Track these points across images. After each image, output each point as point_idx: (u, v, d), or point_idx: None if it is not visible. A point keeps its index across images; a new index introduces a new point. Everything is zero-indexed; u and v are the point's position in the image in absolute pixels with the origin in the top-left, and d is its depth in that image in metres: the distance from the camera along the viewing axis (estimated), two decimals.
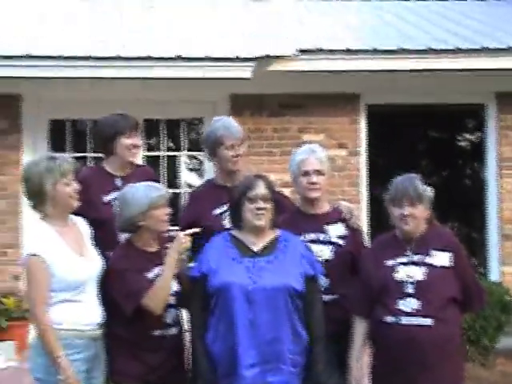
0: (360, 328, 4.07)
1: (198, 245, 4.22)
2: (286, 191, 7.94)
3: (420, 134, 12.13)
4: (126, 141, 4.56)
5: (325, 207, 4.41)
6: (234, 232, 4.04)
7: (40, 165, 4.00)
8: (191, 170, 11.12)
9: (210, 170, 8.03)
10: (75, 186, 4.04)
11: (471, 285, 4.00)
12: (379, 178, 10.67)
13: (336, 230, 4.31)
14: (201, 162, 9.42)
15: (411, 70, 7.92)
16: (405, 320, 3.84)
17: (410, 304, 3.85)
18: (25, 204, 7.88)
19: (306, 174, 4.30)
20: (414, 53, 7.97)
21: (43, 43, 7.83)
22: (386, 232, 4.22)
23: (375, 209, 9.13)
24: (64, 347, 3.81)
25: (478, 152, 9.62)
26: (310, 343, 3.87)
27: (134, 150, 4.62)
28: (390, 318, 3.88)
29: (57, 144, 8.33)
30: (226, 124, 4.63)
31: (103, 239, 4.22)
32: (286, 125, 8.45)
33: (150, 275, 3.96)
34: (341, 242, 4.29)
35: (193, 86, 7.88)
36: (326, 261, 4.21)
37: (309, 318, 3.89)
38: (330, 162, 4.49)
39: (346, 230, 4.33)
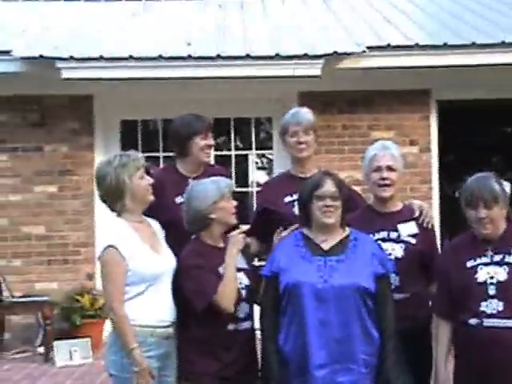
0: (445, 330, 3.95)
1: (269, 233, 4.23)
2: (357, 189, 8.11)
3: (493, 130, 11.87)
4: (200, 142, 4.56)
5: (397, 205, 4.33)
6: (305, 231, 4.01)
7: (113, 162, 4.01)
8: (261, 168, 11.13)
9: (279, 168, 8.09)
10: (149, 179, 4.06)
11: None
12: (451, 175, 10.57)
13: (408, 229, 4.23)
14: (270, 161, 9.42)
15: (482, 65, 7.78)
16: (488, 322, 3.71)
17: (492, 305, 3.72)
18: (98, 203, 8.07)
19: (378, 169, 4.21)
20: (484, 47, 7.81)
21: (114, 45, 7.93)
22: (458, 229, 4.12)
23: (447, 206, 9.03)
24: (139, 345, 3.82)
25: None
26: (381, 341, 3.81)
27: (208, 150, 4.61)
28: (473, 321, 3.75)
29: (128, 144, 8.44)
30: (294, 111, 4.64)
31: (176, 240, 4.19)
32: (356, 122, 8.41)
33: (222, 270, 3.96)
34: (412, 240, 4.20)
35: (262, 85, 7.88)
36: (397, 259, 4.14)
37: (380, 316, 3.83)
38: (403, 159, 4.40)
39: (417, 228, 4.25)
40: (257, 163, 10.72)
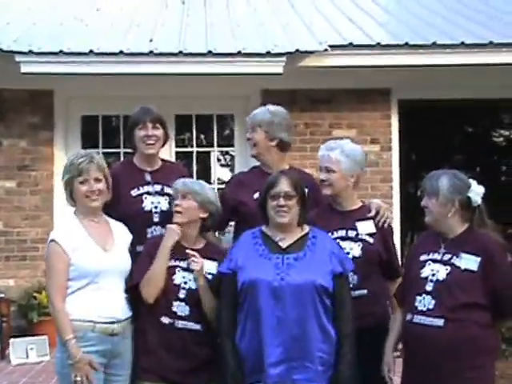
0: (397, 317, 4.08)
1: (240, 230, 4.25)
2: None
3: (453, 130, 12.01)
4: (138, 133, 4.55)
5: (355, 204, 4.37)
6: (264, 228, 4.02)
7: (70, 159, 4.12)
8: (223, 166, 11.12)
9: (240, 165, 8.08)
10: (95, 185, 4.05)
11: (504, 293, 3.81)
12: (413, 173, 10.66)
13: (366, 227, 4.28)
14: (232, 158, 9.40)
15: (443, 65, 7.84)
16: (417, 318, 3.82)
17: (425, 302, 3.81)
18: (57, 200, 8.07)
19: (320, 170, 4.34)
20: (446, 47, 7.86)
21: (74, 39, 7.84)
22: (419, 227, 4.23)
23: (408, 204, 9.09)
24: (78, 340, 3.82)
25: None
26: (337, 341, 3.82)
27: (149, 141, 4.54)
28: (408, 315, 3.88)
29: (89, 140, 8.39)
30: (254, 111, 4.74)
31: (133, 233, 4.25)
32: (318, 120, 8.43)
33: (171, 263, 4.04)
34: (370, 239, 4.26)
35: (224, 82, 7.86)
36: (355, 258, 4.17)
37: (337, 316, 3.84)
38: (352, 159, 4.39)
39: (375, 227, 4.30)
40: (219, 160, 10.72)
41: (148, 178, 4.57)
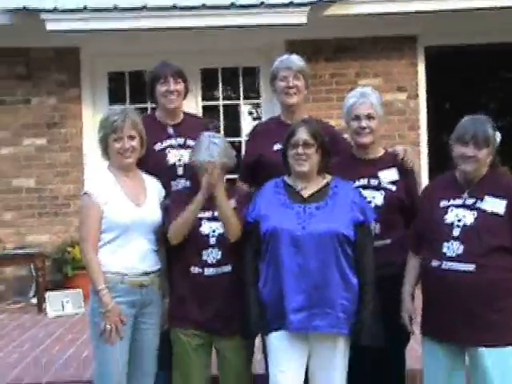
0: (413, 263, 4.05)
1: (262, 180, 4.26)
2: (345, 136, 8.14)
3: (483, 76, 11.85)
4: (160, 87, 4.58)
5: (378, 152, 4.35)
6: (286, 178, 4.05)
7: (107, 115, 4.19)
8: (253, 118, 11.11)
9: (267, 117, 8.09)
10: (129, 143, 4.11)
11: None
12: (438, 121, 10.57)
13: (388, 176, 4.26)
14: (259, 109, 9.39)
15: (470, 9, 7.72)
16: (446, 265, 3.77)
17: (453, 248, 3.77)
18: (87, 156, 8.17)
19: (357, 118, 4.24)
20: None
21: None
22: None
23: (437, 152, 9.05)
24: (109, 289, 3.94)
25: None
26: (360, 290, 3.86)
27: (170, 95, 4.57)
28: (434, 262, 3.82)
29: (116, 96, 8.44)
30: (283, 57, 4.69)
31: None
32: (343, 70, 8.39)
33: (204, 215, 4.09)
34: (392, 187, 4.24)
35: (248, 34, 7.84)
36: (377, 206, 4.17)
37: (359, 265, 3.88)
38: (384, 105, 4.38)
39: (398, 175, 4.27)
40: (251, 113, 10.71)
41: (170, 131, 4.62)
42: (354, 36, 8.24)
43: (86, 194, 4.05)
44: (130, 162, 4.15)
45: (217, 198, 4.02)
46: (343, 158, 4.38)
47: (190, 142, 4.49)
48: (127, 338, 4.00)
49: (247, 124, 9.32)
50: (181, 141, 4.59)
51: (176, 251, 4.09)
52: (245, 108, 9.56)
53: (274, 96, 4.91)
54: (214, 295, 4.04)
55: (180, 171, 4.54)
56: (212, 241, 4.06)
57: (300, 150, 3.91)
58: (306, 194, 3.96)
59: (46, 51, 8.23)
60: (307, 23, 7.55)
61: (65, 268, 7.85)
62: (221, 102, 8.72)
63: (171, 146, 4.58)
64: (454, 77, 10.46)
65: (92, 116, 8.28)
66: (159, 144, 4.55)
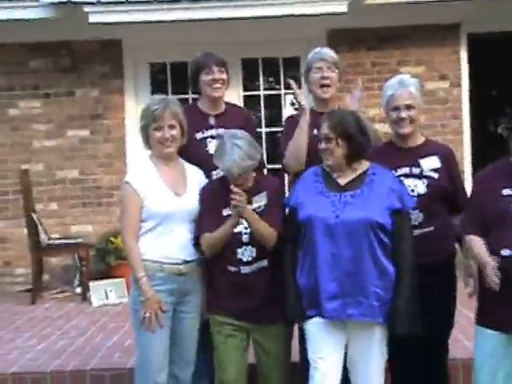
0: (478, 239, 3.80)
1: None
2: (386, 126, 8.09)
3: None
4: (205, 77, 4.61)
5: (419, 140, 4.33)
6: (324, 165, 4.05)
7: (148, 105, 4.23)
8: (292, 108, 11.09)
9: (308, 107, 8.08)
10: (169, 132, 4.15)
11: None
12: (483, 109, 10.45)
13: (430, 163, 4.23)
14: None
15: None
16: None
17: None
18: (129, 147, 8.26)
19: (396, 108, 4.22)
20: None
21: None
22: (492, 162, 4.04)
23: (480, 141, 8.97)
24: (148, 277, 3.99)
25: None
26: (396, 277, 3.84)
27: (215, 84, 4.61)
28: (504, 251, 3.68)
29: (158, 87, 8.51)
30: (316, 50, 4.71)
31: None
32: (385, 59, 8.35)
33: (226, 212, 4.06)
34: (435, 175, 4.21)
35: (289, 24, 7.84)
36: (420, 195, 4.15)
37: (396, 252, 3.86)
38: (423, 92, 4.37)
39: (440, 162, 4.25)
40: (293, 104, 10.69)
41: (212, 121, 4.65)
42: (395, 25, 8.18)
43: (126, 183, 4.10)
44: (170, 151, 4.18)
45: (247, 219, 4.02)
46: (382, 146, 4.39)
47: None
48: (167, 326, 4.05)
49: (289, 114, 9.31)
50: (222, 131, 4.58)
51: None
52: (287, 98, 9.53)
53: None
54: (251, 291, 4.07)
55: None
56: (245, 238, 4.07)
57: (323, 144, 3.96)
58: (342, 182, 3.96)
59: (89, 44, 8.33)
60: (348, 12, 7.52)
61: (108, 258, 7.95)
62: (262, 92, 8.73)
63: (212, 137, 4.61)
64: (499, 64, 10.29)
65: (134, 107, 8.35)
66: (200, 133, 4.59)
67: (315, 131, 4.40)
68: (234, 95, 8.31)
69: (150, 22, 7.70)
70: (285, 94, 8.83)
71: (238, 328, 4.13)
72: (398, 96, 4.22)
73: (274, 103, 9.14)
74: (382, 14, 7.96)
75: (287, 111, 9.12)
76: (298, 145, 4.44)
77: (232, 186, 3.96)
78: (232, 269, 4.08)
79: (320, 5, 7.55)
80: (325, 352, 3.88)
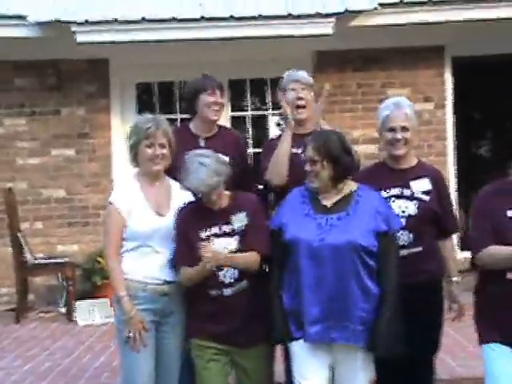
0: (499, 246, 3.68)
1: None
2: (371, 147, 8.18)
3: (508, 86, 11.79)
4: (206, 98, 4.62)
5: (411, 162, 4.34)
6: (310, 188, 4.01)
7: (137, 122, 4.22)
8: (279, 128, 11.14)
9: None
10: (160, 150, 4.14)
11: None
12: (467, 131, 10.55)
13: (420, 186, 4.25)
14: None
15: (494, 19, 7.73)
16: None
17: None
18: (115, 166, 8.26)
19: (392, 130, 4.23)
20: (498, 1, 7.75)
21: (126, 7, 7.92)
22: (475, 185, 4.07)
23: (465, 162, 9.05)
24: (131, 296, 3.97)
25: None
26: (380, 298, 3.81)
27: (215, 107, 4.65)
28: (511, 275, 3.65)
29: (145, 107, 8.52)
30: (290, 72, 4.71)
31: None
32: (370, 80, 8.42)
33: (204, 234, 4.00)
34: (425, 197, 4.23)
35: (276, 45, 7.89)
36: (411, 216, 4.17)
37: (381, 274, 3.83)
38: (417, 116, 4.41)
39: (430, 185, 4.27)
40: (279, 124, 10.74)
41: (202, 143, 4.65)
42: (381, 46, 8.27)
43: (110, 203, 4.11)
44: (158, 168, 4.18)
45: (227, 265, 3.98)
46: (375, 166, 4.42)
47: (221, 156, 4.50)
48: (152, 347, 4.03)
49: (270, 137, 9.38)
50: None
51: None
52: (273, 119, 9.60)
53: None
54: (233, 313, 3.99)
55: None
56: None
57: (308, 167, 3.92)
58: (328, 203, 3.93)
59: (76, 63, 8.36)
60: (334, 34, 7.60)
61: (94, 277, 7.93)
62: (249, 113, 8.77)
63: None
64: (483, 87, 10.41)
65: (121, 126, 8.39)
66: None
67: (293, 149, 4.47)
68: (222, 116, 8.35)
69: (138, 41, 7.73)
70: (273, 114, 8.88)
71: (220, 352, 4.06)
72: (394, 117, 4.23)
73: (260, 124, 9.21)
74: (367, 36, 8.03)
75: (272, 132, 9.20)
76: (280, 157, 4.45)
77: (199, 243, 3.91)
78: (214, 292, 3.99)
79: (306, 26, 7.61)
80: (309, 372, 3.86)
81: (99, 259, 7.92)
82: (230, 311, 3.99)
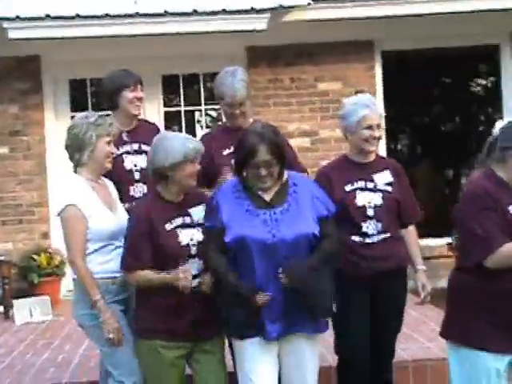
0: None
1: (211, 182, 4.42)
2: (305, 140, 8.34)
3: (435, 80, 12.15)
4: (129, 94, 4.69)
5: (372, 156, 4.50)
6: (243, 179, 3.94)
7: (90, 118, 4.16)
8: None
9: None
10: (114, 149, 4.21)
11: None
12: (396, 124, 10.83)
13: (383, 178, 4.44)
14: (219, 116, 9.49)
15: (423, 15, 7.99)
16: None
17: None
18: (50, 164, 8.19)
19: (369, 128, 4.36)
20: None
21: (59, 2, 7.85)
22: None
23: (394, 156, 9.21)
24: (102, 293, 4.01)
25: (492, 97, 9.68)
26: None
27: (138, 102, 4.74)
28: None
29: (78, 103, 8.49)
30: (227, 81, 4.57)
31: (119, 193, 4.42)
32: (303, 75, 8.56)
33: (170, 226, 3.95)
34: (389, 188, 4.42)
35: (209, 40, 7.95)
36: (376, 206, 4.35)
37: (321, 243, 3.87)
38: None
39: (392, 176, 4.46)
40: (199, 121, 10.79)
41: (125, 137, 4.72)
42: (312, 41, 8.41)
43: (71, 205, 4.04)
44: (110, 166, 4.23)
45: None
46: (337, 161, 4.57)
47: (145, 147, 4.60)
48: (129, 333, 4.07)
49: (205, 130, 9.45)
50: (135, 146, 4.74)
51: (151, 268, 3.95)
52: (203, 114, 9.68)
53: None
54: (195, 306, 3.94)
55: (137, 176, 4.69)
56: (194, 251, 3.97)
57: (263, 171, 3.83)
58: (268, 197, 3.89)
59: (7, 60, 8.24)
60: (267, 29, 7.70)
61: (30, 275, 7.85)
62: (182, 108, 8.80)
63: (127, 152, 4.71)
64: (409, 80, 10.70)
65: (54, 123, 8.31)
66: (116, 150, 4.47)
67: (225, 151, 4.54)
68: (155, 111, 8.39)
69: (71, 37, 7.68)
70: (205, 110, 8.94)
71: (180, 353, 3.99)
72: (371, 116, 4.37)
73: (193, 118, 9.27)
74: (299, 31, 8.16)
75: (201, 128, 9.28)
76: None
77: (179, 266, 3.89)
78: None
79: (241, 22, 7.69)
80: (260, 367, 3.87)
81: (35, 257, 7.87)
82: (193, 305, 3.92)
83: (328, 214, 3.94)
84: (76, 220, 4.04)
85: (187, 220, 4.00)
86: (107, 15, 7.63)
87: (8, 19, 7.47)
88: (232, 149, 4.35)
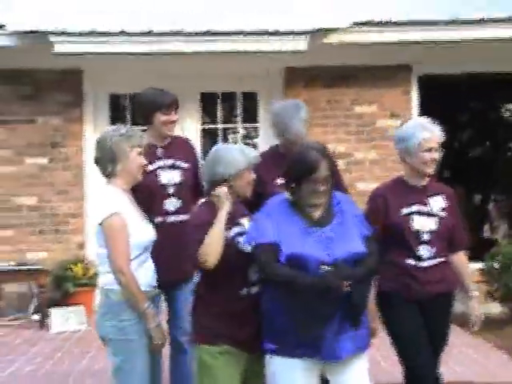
0: None
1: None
2: (340, 162, 8.38)
3: (467, 105, 12.20)
4: (162, 117, 4.77)
5: (427, 179, 4.53)
6: (288, 196, 3.94)
7: (120, 130, 4.16)
8: (247, 142, 11.30)
9: (265, 141, 8.32)
10: (144, 161, 4.19)
11: None
12: None
13: (438, 203, 4.48)
14: (256, 133, 9.57)
15: (460, 41, 8.08)
16: None
17: None
18: (87, 175, 8.34)
19: (429, 150, 4.41)
20: (464, 23, 8.08)
21: (103, 19, 8.04)
22: None
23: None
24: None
25: None
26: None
27: (170, 125, 4.84)
28: None
29: (118, 117, 8.64)
30: (294, 121, 4.98)
31: (148, 207, 4.43)
32: (339, 96, 8.66)
33: (230, 234, 3.97)
34: (443, 213, 4.46)
35: (248, 60, 8.09)
36: (432, 231, 4.40)
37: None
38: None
39: (445, 202, 4.50)
40: (246, 137, 10.90)
41: (159, 153, 4.81)
42: (350, 64, 8.52)
43: (116, 214, 4.00)
44: (141, 178, 4.24)
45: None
46: (393, 183, 4.57)
47: (179, 163, 4.79)
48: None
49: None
50: (169, 162, 4.82)
51: (214, 276, 3.92)
52: (242, 132, 9.80)
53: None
54: (255, 314, 3.92)
55: (170, 190, 4.77)
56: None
57: (321, 187, 3.85)
58: (316, 215, 3.89)
59: (50, 72, 8.41)
60: (305, 51, 7.81)
61: (65, 285, 7.97)
62: (220, 126, 8.93)
63: (161, 168, 4.79)
64: (444, 104, 10.76)
65: (93, 136, 8.44)
66: (150, 166, 4.61)
67: (279, 180, 4.51)
68: (193, 128, 8.53)
69: (114, 53, 7.83)
70: (242, 127, 9.05)
71: (233, 357, 3.94)
72: (433, 139, 4.43)
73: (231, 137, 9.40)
74: (337, 54, 8.28)
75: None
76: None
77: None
78: (245, 291, 3.93)
79: (281, 42, 7.81)
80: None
81: (72, 267, 7.99)
82: (253, 313, 3.92)
83: (369, 234, 3.96)
84: (122, 228, 4.00)
85: (237, 229, 4.00)
86: (151, 32, 7.77)
87: (55, 33, 7.64)
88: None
